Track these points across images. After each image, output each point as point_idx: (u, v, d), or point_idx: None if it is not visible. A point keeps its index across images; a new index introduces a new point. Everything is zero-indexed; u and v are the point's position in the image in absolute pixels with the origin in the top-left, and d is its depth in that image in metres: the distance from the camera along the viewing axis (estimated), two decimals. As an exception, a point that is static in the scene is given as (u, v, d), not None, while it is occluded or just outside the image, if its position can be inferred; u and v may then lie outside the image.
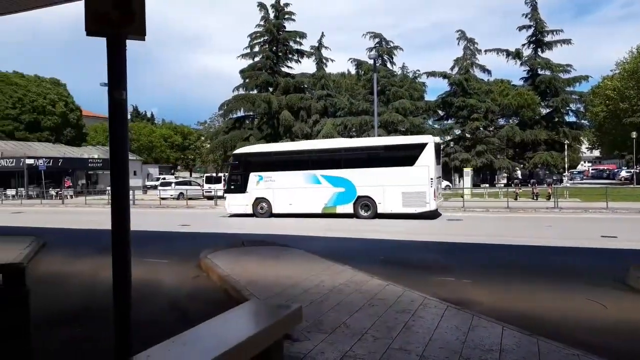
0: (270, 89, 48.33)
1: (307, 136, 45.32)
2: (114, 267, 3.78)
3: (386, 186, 19.27)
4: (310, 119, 46.62)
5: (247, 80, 48.04)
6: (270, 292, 7.07)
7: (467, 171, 34.01)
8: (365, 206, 19.86)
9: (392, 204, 19.32)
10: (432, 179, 18.60)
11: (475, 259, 10.60)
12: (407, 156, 19.12)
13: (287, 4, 48.64)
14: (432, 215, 19.97)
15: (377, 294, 6.83)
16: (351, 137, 46.55)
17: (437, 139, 20.28)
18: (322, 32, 66.47)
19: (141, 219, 20.45)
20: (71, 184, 42.88)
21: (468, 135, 47.63)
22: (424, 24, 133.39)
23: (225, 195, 23.28)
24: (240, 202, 22.05)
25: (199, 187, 38.10)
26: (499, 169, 47.97)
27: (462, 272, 8.85)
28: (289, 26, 48.75)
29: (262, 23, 48.17)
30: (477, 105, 46.84)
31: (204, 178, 39.51)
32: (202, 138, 73.48)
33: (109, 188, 30.89)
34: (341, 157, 20.52)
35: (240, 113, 48.84)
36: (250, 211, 21.85)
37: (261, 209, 21.73)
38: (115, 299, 3.65)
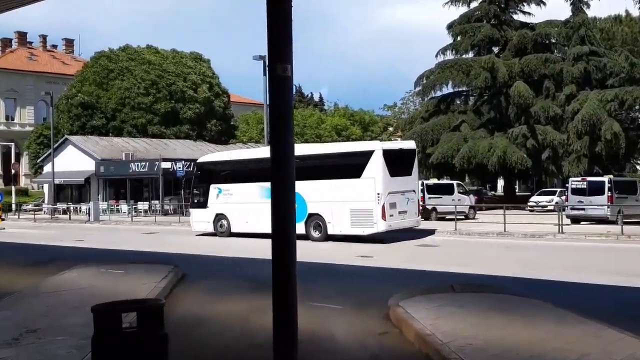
0: (495, 50, 47.72)
1: (556, 120, 43.44)
2: (276, 314, 4.10)
3: (334, 202, 23.30)
4: (561, 92, 44.75)
5: (458, 39, 48.25)
6: (497, 364, 6.99)
7: None
8: (318, 226, 24.23)
9: (340, 223, 23.43)
10: (379, 193, 22.39)
11: None
12: (353, 167, 23.54)
13: None
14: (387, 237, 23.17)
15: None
16: (632, 119, 43.22)
17: (391, 145, 24.76)
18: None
19: (311, 244, 22.35)
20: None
21: None
22: None
23: (190, 210, 29.73)
24: (202, 219, 28.17)
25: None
26: None
27: None
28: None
29: (482, -52, 47.96)
30: None
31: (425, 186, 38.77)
32: (391, 129, 75.30)
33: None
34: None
35: (448, 89, 49.25)
36: (212, 229, 27.74)
37: (221, 226, 27.47)
38: (277, 357, 3.96)
